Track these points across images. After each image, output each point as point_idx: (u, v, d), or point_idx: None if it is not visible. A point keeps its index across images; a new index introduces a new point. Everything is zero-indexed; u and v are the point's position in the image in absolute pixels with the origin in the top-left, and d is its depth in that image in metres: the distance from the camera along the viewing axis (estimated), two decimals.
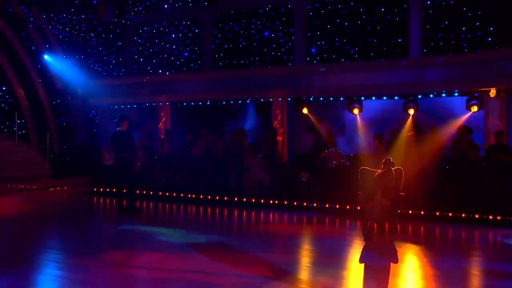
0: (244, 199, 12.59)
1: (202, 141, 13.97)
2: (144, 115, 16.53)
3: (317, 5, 15.37)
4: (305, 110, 13.81)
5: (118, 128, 11.15)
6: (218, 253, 7.49)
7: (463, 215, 10.34)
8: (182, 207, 12.41)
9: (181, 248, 7.86)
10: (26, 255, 7.41)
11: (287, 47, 15.91)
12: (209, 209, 12.02)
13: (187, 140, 14.60)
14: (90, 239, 8.94)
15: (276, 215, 11.34)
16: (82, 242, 8.51)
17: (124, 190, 11.37)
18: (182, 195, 13.34)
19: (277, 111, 14.06)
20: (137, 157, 11.92)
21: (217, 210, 11.83)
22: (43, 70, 16.25)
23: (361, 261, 5.32)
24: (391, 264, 5.27)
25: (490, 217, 10.13)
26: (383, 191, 5.29)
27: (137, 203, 11.78)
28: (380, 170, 5.43)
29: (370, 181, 5.40)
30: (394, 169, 5.37)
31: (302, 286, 6.04)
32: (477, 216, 10.23)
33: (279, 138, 13.84)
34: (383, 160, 5.46)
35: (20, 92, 15.90)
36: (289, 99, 14.09)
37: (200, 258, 7.22)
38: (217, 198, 12.87)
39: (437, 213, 10.59)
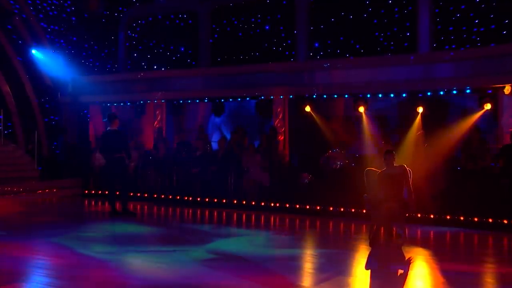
0: (244, 202, 12.57)
1: (200, 141, 13.95)
2: (139, 113, 16.50)
3: None
4: (307, 108, 13.80)
5: (108, 128, 11.16)
6: (215, 259, 7.47)
7: (476, 219, 10.31)
8: (178, 210, 12.41)
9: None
10: None
11: (289, 41, 15.86)
12: (206, 212, 12.02)
13: (183, 140, 14.56)
14: None
15: (277, 219, 11.32)
16: None
17: (117, 193, 11.38)
18: (178, 197, 13.33)
19: (278, 109, 14.03)
20: (131, 158, 11.91)
21: (215, 213, 11.81)
22: (31, 66, 16.19)
23: (367, 267, 5.32)
24: (399, 270, 5.26)
25: (505, 222, 10.09)
26: (391, 194, 5.30)
27: (131, 206, 11.78)
28: (383, 169, 5.43)
29: (376, 181, 5.42)
30: (396, 166, 5.37)
31: None
32: (490, 220, 10.20)
33: (281, 138, 13.81)
34: (384, 151, 5.44)
35: (6, 88, 15.84)
36: (291, 96, 14.06)
37: (194, 265, 7.20)
38: (215, 200, 12.87)
39: (448, 217, 10.55)
